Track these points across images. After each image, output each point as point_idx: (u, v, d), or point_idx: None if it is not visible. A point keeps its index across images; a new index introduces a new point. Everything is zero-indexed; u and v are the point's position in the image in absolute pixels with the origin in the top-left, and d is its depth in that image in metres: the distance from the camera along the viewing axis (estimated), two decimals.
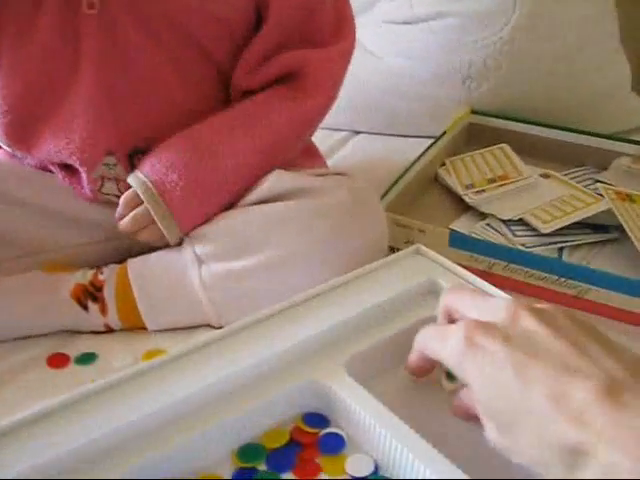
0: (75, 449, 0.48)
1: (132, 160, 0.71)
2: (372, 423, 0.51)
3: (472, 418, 0.46)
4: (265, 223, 0.66)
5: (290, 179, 0.69)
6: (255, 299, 0.66)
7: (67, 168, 0.74)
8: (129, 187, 0.70)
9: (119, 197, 0.71)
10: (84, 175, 0.72)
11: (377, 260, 0.65)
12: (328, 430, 0.54)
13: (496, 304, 0.47)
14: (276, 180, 0.69)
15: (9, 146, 0.75)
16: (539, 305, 0.46)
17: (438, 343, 0.48)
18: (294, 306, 0.60)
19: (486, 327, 0.44)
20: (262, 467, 0.52)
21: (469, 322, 0.46)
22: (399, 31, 0.98)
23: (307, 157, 0.83)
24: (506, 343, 0.43)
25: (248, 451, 0.52)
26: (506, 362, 0.42)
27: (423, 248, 0.65)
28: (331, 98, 0.76)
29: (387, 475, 0.50)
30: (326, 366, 0.55)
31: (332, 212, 0.67)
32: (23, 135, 0.72)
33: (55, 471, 0.48)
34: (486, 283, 0.61)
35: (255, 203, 0.68)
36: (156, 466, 0.50)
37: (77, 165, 0.71)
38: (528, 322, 0.44)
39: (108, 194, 0.73)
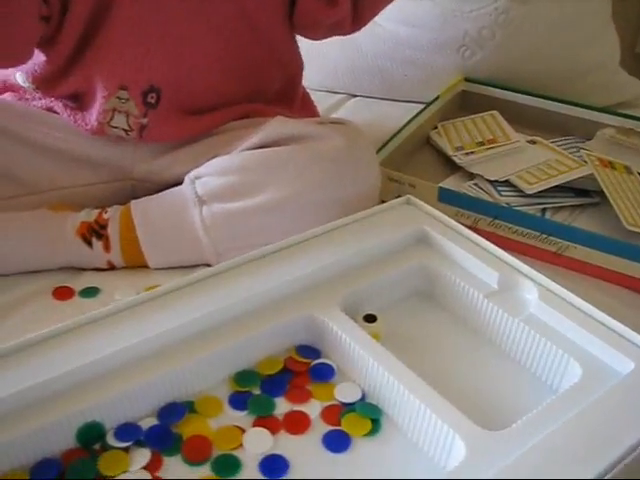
0: (77, 369, 0.51)
1: (145, 97, 0.74)
2: (361, 353, 0.55)
3: None
4: (264, 166, 0.69)
5: (290, 125, 0.72)
6: (252, 239, 0.69)
7: (73, 102, 0.77)
8: (138, 122, 0.73)
9: (126, 132, 0.74)
10: (96, 105, 0.74)
11: (369, 208, 0.69)
12: (319, 361, 0.58)
13: None
14: (277, 126, 0.72)
15: (35, 85, 0.77)
16: None
17: None
18: (291, 246, 0.63)
19: None
20: (257, 391, 0.55)
21: None
22: None
23: (303, 110, 0.87)
24: None
25: (244, 376, 0.56)
26: None
27: (413, 199, 0.69)
28: None
29: (373, 402, 0.54)
30: (321, 302, 0.59)
31: (328, 157, 0.69)
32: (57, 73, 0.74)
33: (53, 391, 0.50)
34: (473, 233, 0.64)
35: (255, 147, 0.71)
36: (157, 388, 0.53)
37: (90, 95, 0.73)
38: None
39: (116, 127, 0.75)
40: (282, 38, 0.79)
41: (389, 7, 0.81)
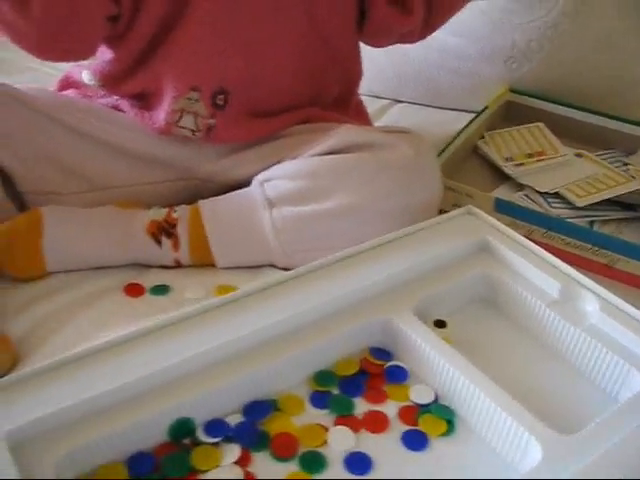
0: (168, 367, 0.54)
1: (215, 99, 0.76)
2: (435, 357, 0.57)
3: None
4: (333, 172, 0.71)
5: (359, 133, 0.74)
6: (320, 243, 0.71)
7: (141, 101, 0.79)
8: (206, 123, 0.75)
9: (193, 132, 0.76)
10: (164, 105, 0.76)
11: (430, 217, 0.71)
12: (393, 363, 0.60)
13: None
14: (344, 134, 0.74)
15: (102, 82, 0.79)
16: None
17: None
18: (364, 252, 0.66)
19: None
20: (335, 391, 0.58)
21: None
22: None
23: (357, 116, 0.89)
24: None
25: (323, 377, 0.59)
26: None
27: (474, 209, 0.71)
28: None
29: (446, 404, 0.57)
30: (394, 306, 0.61)
31: (396, 165, 0.71)
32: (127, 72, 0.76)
33: (147, 388, 0.53)
34: (533, 244, 0.67)
35: (324, 153, 0.73)
36: (242, 386, 0.56)
37: (163, 95, 0.75)
38: None
39: (184, 127, 0.77)
40: (348, 45, 0.82)
41: None
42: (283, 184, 0.72)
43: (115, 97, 0.80)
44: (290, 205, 0.71)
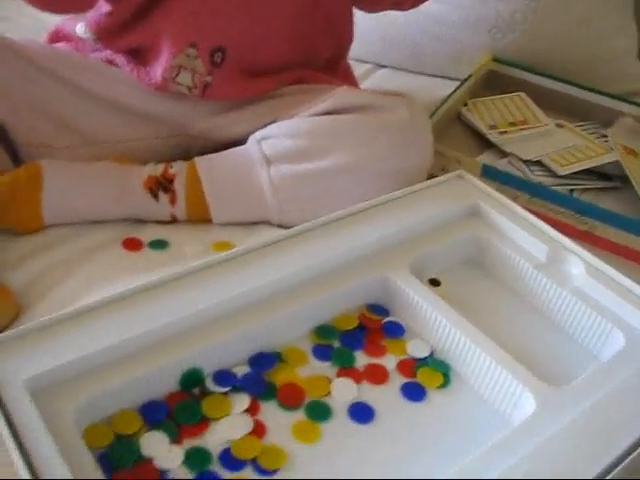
0: (178, 319, 0.55)
1: (212, 56, 0.76)
2: (431, 312, 0.60)
3: None
4: (333, 132, 0.73)
5: (355, 95, 0.76)
6: (316, 201, 0.73)
7: (136, 57, 0.78)
8: (203, 80, 0.76)
9: (190, 89, 0.77)
10: (161, 61, 0.76)
11: (421, 180, 0.74)
12: (389, 319, 0.63)
13: None
14: (342, 95, 0.75)
15: (97, 36, 0.78)
16: None
17: None
18: (359, 212, 0.67)
19: None
20: (337, 345, 0.60)
21: None
22: None
23: (345, 79, 0.90)
24: None
25: (324, 331, 0.61)
26: None
27: (465, 174, 0.74)
28: None
29: (441, 358, 0.60)
30: (391, 265, 0.64)
31: (395, 127, 0.73)
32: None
33: (158, 339, 0.54)
34: (522, 209, 0.70)
35: (323, 114, 0.74)
36: (247, 339, 0.57)
37: (160, 50, 0.75)
38: None
39: (181, 84, 0.77)
40: (341, 10, 0.83)
41: None
42: (281, 142, 0.74)
43: (109, 52, 0.80)
44: (288, 163, 0.73)
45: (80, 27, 0.80)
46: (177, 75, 0.77)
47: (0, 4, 1.21)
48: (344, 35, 0.87)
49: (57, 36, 0.84)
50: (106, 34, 0.78)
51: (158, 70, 0.77)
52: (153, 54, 0.77)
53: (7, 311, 0.63)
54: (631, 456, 0.50)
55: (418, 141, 0.74)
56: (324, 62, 0.87)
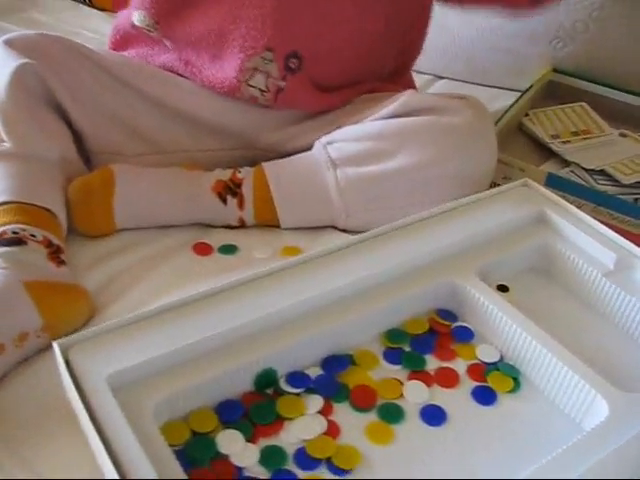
0: (254, 320, 0.56)
1: (287, 61, 0.77)
2: (501, 318, 0.60)
3: None
4: (399, 134, 0.73)
5: (422, 98, 0.76)
6: (382, 203, 0.74)
7: (209, 57, 0.79)
8: (276, 85, 0.77)
9: (262, 92, 0.78)
10: (233, 63, 0.77)
11: (485, 185, 0.75)
12: (458, 324, 0.63)
13: None
14: (408, 98, 0.76)
15: (157, 22, 0.79)
16: None
17: None
18: (427, 218, 0.68)
19: None
20: (407, 348, 0.61)
21: None
22: None
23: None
24: None
25: (394, 334, 0.62)
26: None
27: (531, 182, 0.74)
28: None
29: (511, 363, 0.60)
30: (460, 270, 0.64)
31: (461, 130, 0.73)
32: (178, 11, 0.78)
33: (234, 339, 0.55)
34: (589, 216, 0.70)
35: (389, 117, 0.75)
36: (320, 341, 0.58)
37: (235, 51, 0.76)
38: None
39: (254, 87, 0.77)
40: (416, 25, 0.84)
41: None
42: (347, 146, 0.75)
43: (176, 55, 0.80)
44: (354, 165, 0.74)
45: (138, 14, 0.80)
46: (251, 77, 0.77)
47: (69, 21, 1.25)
48: (412, 50, 0.88)
49: (122, 40, 0.85)
50: (165, 15, 0.79)
51: (231, 72, 0.77)
52: (223, 53, 0.78)
53: (82, 311, 0.64)
54: None
55: (483, 144, 0.75)
56: (389, 73, 0.87)
